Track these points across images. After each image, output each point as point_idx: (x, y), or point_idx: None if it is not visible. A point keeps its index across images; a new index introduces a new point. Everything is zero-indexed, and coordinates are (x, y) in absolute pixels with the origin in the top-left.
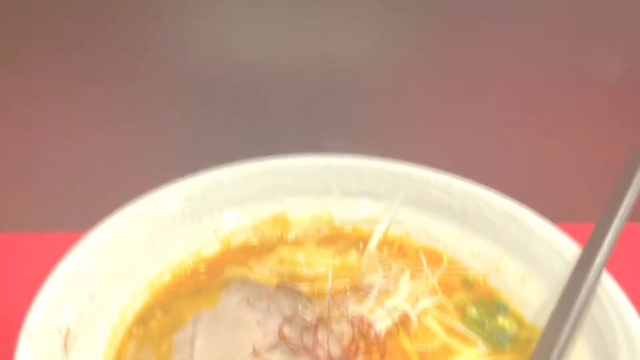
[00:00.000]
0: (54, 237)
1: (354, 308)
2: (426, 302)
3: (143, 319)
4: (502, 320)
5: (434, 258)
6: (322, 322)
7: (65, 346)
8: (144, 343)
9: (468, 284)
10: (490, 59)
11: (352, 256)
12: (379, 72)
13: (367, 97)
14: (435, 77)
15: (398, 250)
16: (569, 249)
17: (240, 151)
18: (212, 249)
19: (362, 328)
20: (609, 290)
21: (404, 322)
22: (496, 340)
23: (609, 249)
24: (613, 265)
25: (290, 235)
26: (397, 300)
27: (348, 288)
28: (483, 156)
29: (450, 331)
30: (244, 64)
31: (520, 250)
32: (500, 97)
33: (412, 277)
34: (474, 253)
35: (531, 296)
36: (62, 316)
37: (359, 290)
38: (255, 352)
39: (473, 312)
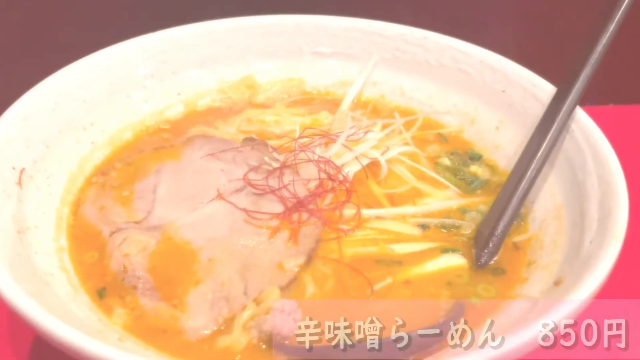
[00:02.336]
0: None
1: (320, 153)
2: (397, 151)
3: (103, 170)
4: (475, 168)
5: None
6: (288, 167)
7: (19, 182)
8: (104, 189)
9: (442, 137)
10: None
11: (323, 115)
12: None
13: None
14: None
15: (372, 111)
16: (545, 91)
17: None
18: (176, 110)
19: (328, 170)
20: (581, 121)
21: (373, 169)
22: (467, 185)
23: (584, 84)
24: None
25: (259, 99)
26: (365, 146)
27: (316, 137)
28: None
29: (422, 178)
30: None
31: (496, 98)
32: None
33: (385, 128)
34: (449, 108)
35: (505, 143)
36: (14, 156)
37: (327, 138)
38: (219, 195)
39: (446, 161)
